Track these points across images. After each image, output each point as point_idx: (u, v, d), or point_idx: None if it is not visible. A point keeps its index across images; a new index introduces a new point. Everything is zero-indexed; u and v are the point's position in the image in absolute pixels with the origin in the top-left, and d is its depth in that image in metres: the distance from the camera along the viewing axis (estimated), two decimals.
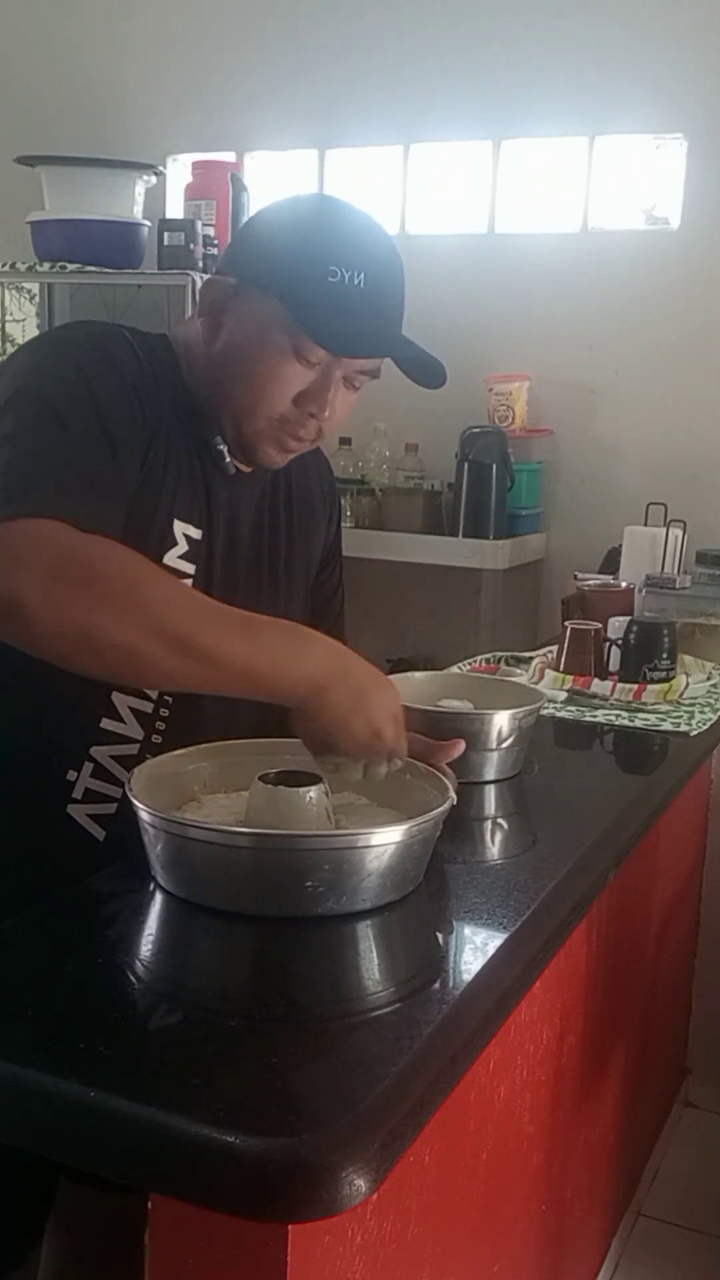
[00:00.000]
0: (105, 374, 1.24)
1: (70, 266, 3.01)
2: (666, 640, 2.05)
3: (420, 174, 3.18)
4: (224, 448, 1.36)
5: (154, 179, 3.12)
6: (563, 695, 2.01)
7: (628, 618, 2.12)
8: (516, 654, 2.29)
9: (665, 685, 2.01)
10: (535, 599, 3.11)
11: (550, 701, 1.95)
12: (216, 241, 3.02)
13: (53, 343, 1.34)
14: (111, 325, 1.35)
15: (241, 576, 1.42)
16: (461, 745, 1.36)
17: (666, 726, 1.91)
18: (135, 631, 1.07)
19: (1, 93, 3.54)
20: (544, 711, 1.81)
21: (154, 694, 1.34)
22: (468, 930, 1.16)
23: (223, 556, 1.39)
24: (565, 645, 2.09)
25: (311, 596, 1.56)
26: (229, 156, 3.30)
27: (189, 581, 1.33)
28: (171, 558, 1.32)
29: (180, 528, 1.33)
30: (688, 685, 2.04)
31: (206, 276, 2.82)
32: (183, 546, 1.33)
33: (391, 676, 1.67)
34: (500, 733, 1.53)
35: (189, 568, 1.34)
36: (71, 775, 1.35)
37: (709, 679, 2.14)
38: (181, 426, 1.33)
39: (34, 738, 1.34)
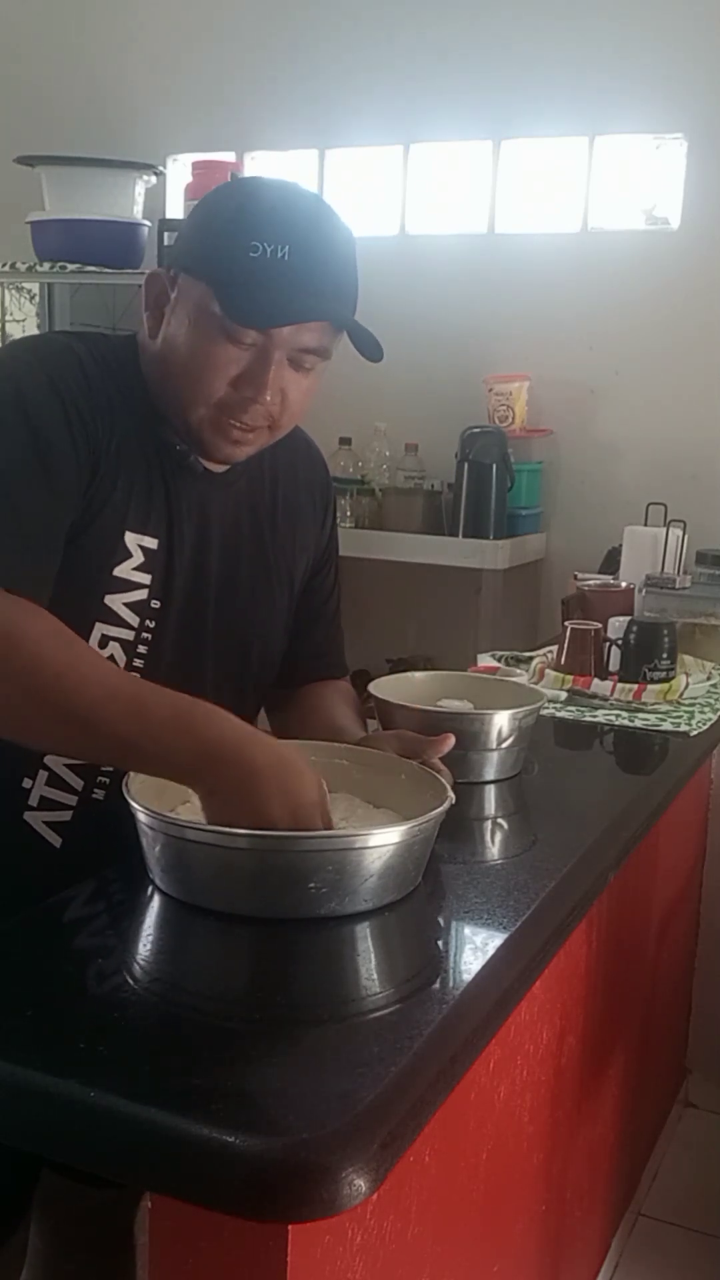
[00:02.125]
0: (45, 402, 1.22)
1: (70, 266, 3.01)
2: (666, 640, 2.05)
3: (420, 174, 3.18)
4: (184, 447, 1.33)
5: (154, 179, 3.13)
6: (563, 695, 2.01)
7: (628, 618, 2.12)
8: (516, 654, 2.29)
9: (665, 685, 2.01)
10: (535, 599, 3.11)
11: (550, 701, 1.96)
12: None
13: None
14: (61, 340, 1.33)
15: (214, 579, 1.39)
16: (452, 739, 1.35)
17: (666, 726, 1.91)
18: (25, 703, 1.11)
19: (2, 92, 3.53)
20: (544, 711, 1.81)
21: None
22: (468, 930, 1.16)
23: (190, 561, 1.36)
24: (565, 645, 2.09)
25: (306, 601, 1.54)
26: (229, 156, 3.30)
27: (143, 593, 1.31)
28: (125, 570, 1.30)
29: (133, 539, 1.30)
30: (688, 685, 2.04)
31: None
32: (137, 558, 1.30)
33: (391, 676, 1.68)
34: (500, 733, 1.53)
35: (143, 578, 1.31)
36: (27, 783, 1.34)
37: (709, 679, 2.14)
38: (143, 432, 1.31)
39: None
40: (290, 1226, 0.82)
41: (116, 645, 1.31)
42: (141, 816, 1.12)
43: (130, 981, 1.01)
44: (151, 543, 1.31)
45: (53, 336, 1.35)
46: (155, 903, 1.14)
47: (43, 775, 1.34)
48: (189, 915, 1.11)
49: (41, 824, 1.35)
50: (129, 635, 1.31)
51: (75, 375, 1.26)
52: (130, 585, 1.30)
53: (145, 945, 1.10)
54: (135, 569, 1.30)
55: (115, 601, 1.30)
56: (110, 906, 1.18)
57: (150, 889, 1.15)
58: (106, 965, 1.04)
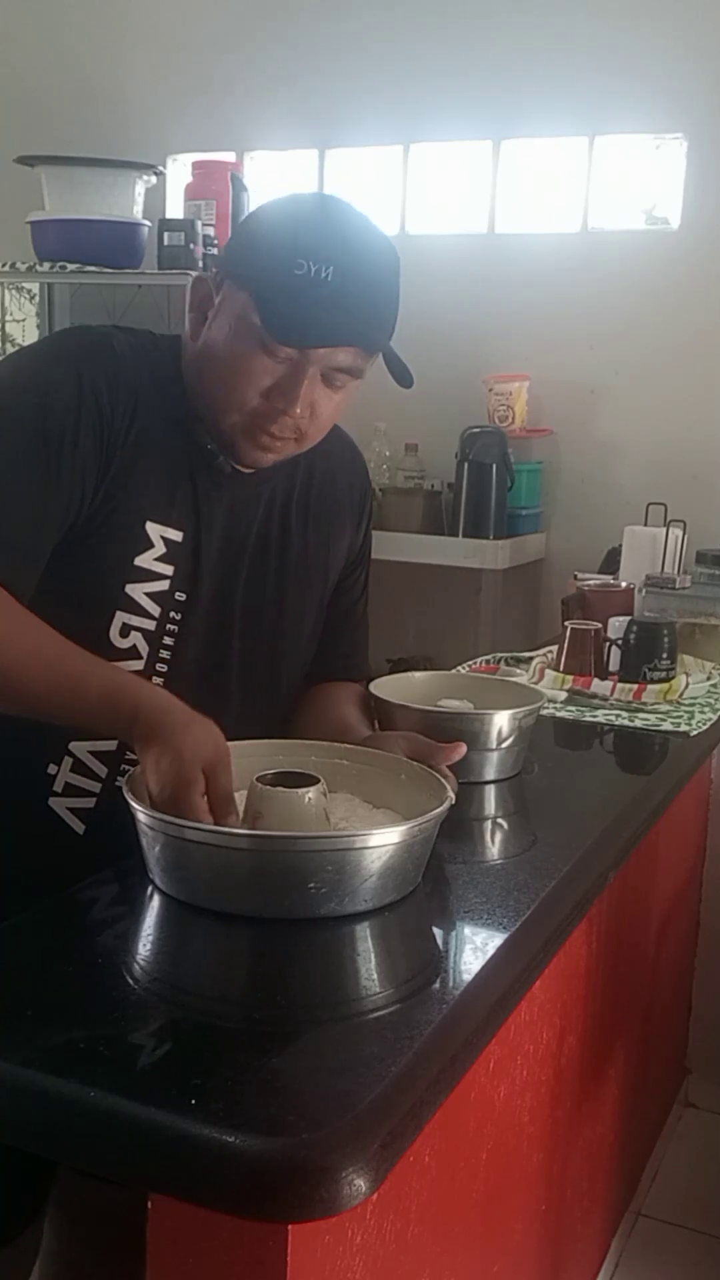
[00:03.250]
0: (64, 388, 1.26)
1: (70, 266, 3.01)
2: (666, 640, 2.05)
3: (420, 174, 3.18)
4: (214, 447, 1.35)
5: (154, 179, 3.12)
6: (563, 695, 2.01)
7: (628, 618, 2.12)
8: (516, 654, 2.29)
9: (665, 685, 2.01)
10: (535, 599, 3.11)
11: (550, 701, 1.95)
12: (216, 241, 3.02)
13: (30, 354, 1.36)
14: (103, 331, 1.36)
15: (244, 576, 1.41)
16: (463, 749, 1.36)
17: (666, 726, 1.91)
18: None
19: (1, 93, 3.53)
20: (544, 711, 1.81)
21: None
22: (468, 930, 1.16)
23: (218, 557, 1.38)
24: (565, 645, 2.09)
25: (333, 601, 1.55)
26: (229, 156, 3.30)
27: (164, 584, 1.33)
28: (146, 559, 1.32)
29: (155, 529, 1.32)
30: (688, 685, 2.04)
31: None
32: (159, 549, 1.33)
33: (391, 676, 1.68)
34: (500, 733, 1.53)
35: (165, 569, 1.33)
36: (52, 769, 1.36)
37: (709, 679, 2.14)
38: (174, 428, 1.33)
39: (14, 732, 1.33)
40: (290, 1226, 0.82)
41: (139, 635, 1.34)
42: (141, 817, 1.12)
43: (130, 981, 1.01)
44: (175, 535, 1.34)
45: (98, 329, 1.38)
46: (155, 903, 1.14)
47: (68, 762, 1.36)
48: (189, 915, 1.11)
49: (65, 810, 1.37)
50: (151, 625, 1.34)
51: (104, 367, 1.29)
52: (152, 575, 1.33)
53: (145, 945, 1.10)
54: (157, 559, 1.33)
55: (136, 591, 1.32)
56: (110, 907, 1.18)
57: (150, 889, 1.15)
58: (107, 965, 1.04)
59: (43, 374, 1.28)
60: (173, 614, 1.35)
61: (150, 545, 1.32)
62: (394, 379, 1.30)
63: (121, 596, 1.32)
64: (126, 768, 1.36)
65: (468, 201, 3.13)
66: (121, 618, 1.32)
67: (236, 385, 1.29)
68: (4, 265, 3.13)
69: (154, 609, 1.34)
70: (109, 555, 1.30)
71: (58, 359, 1.30)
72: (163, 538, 1.33)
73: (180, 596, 1.35)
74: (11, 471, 1.23)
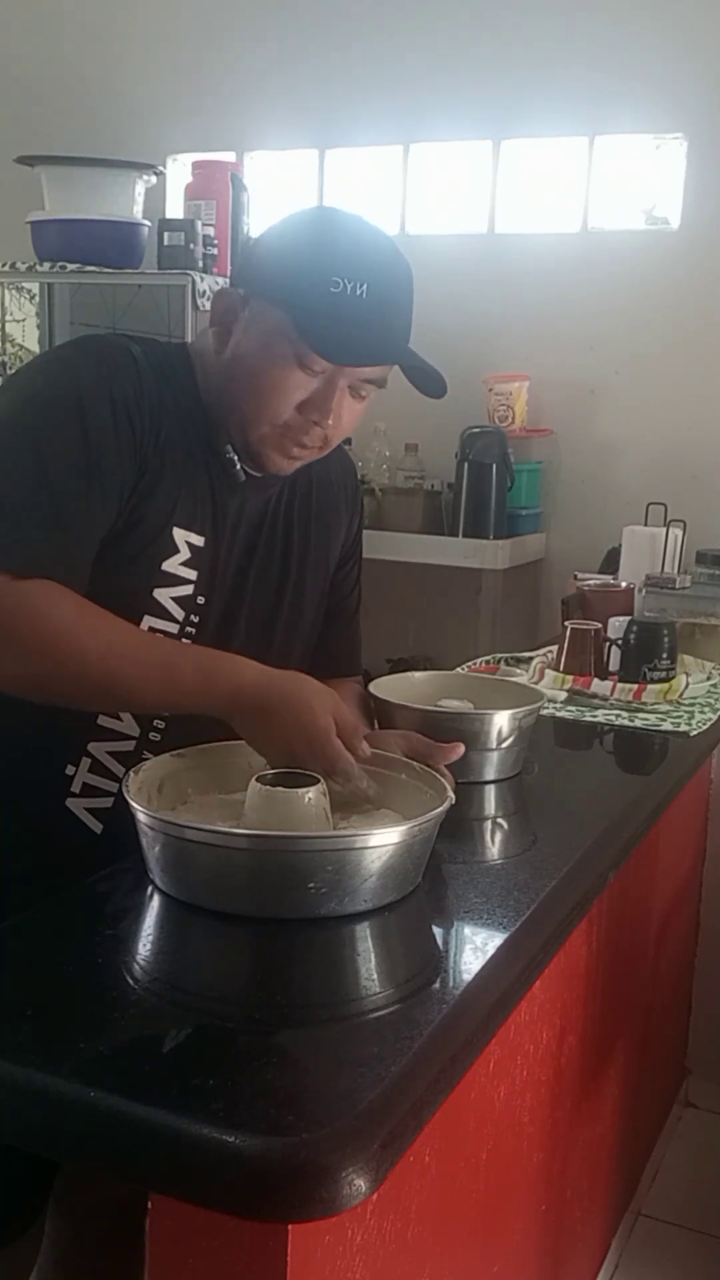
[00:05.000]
0: (99, 398, 1.28)
1: (70, 266, 3.01)
2: (666, 640, 2.05)
3: (420, 174, 3.18)
4: (234, 455, 1.38)
5: (154, 179, 3.12)
6: (563, 695, 2.01)
7: (628, 618, 2.12)
8: (516, 654, 2.29)
9: (665, 685, 2.01)
10: (535, 599, 3.11)
11: (550, 701, 1.95)
12: (216, 241, 3.02)
13: (58, 363, 1.37)
14: (120, 341, 1.38)
15: (253, 577, 1.44)
16: (461, 748, 1.37)
17: (666, 726, 1.91)
18: (62, 683, 1.21)
19: (1, 93, 3.53)
20: (544, 711, 1.81)
21: None
22: (468, 930, 1.16)
23: (231, 560, 1.41)
24: (565, 645, 2.09)
25: (328, 597, 1.58)
26: (229, 156, 3.30)
27: (189, 588, 1.36)
28: (173, 564, 1.35)
29: (181, 535, 1.35)
30: (688, 685, 2.04)
31: (213, 281, 2.85)
32: (184, 554, 1.36)
33: (391, 676, 1.68)
34: (500, 733, 1.53)
35: (190, 574, 1.37)
36: (70, 770, 1.38)
37: (709, 679, 2.14)
38: (191, 435, 1.36)
39: (33, 733, 1.36)
40: (290, 1226, 0.82)
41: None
42: (141, 817, 1.12)
43: (130, 981, 1.01)
44: (198, 540, 1.37)
45: (112, 338, 1.40)
46: (155, 903, 1.14)
47: (86, 762, 1.38)
48: (190, 914, 1.11)
49: (83, 810, 1.39)
50: (174, 629, 1.37)
51: (131, 376, 1.32)
52: (178, 580, 1.36)
53: (145, 945, 1.10)
54: (183, 564, 1.36)
55: (164, 595, 1.35)
56: (110, 907, 1.18)
57: (150, 889, 1.15)
58: (106, 965, 1.03)
59: (75, 384, 1.29)
60: (192, 617, 1.38)
61: (176, 550, 1.35)
62: (424, 393, 1.34)
63: (150, 601, 1.35)
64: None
65: (468, 201, 3.13)
66: (148, 621, 1.35)
67: (270, 399, 1.32)
68: (4, 265, 3.13)
69: (178, 613, 1.37)
70: (139, 560, 1.33)
71: (84, 364, 1.32)
72: (187, 543, 1.36)
73: (200, 600, 1.38)
74: (60, 481, 1.25)
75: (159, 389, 1.34)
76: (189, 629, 1.38)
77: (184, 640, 1.37)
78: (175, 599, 1.36)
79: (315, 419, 1.32)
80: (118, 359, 1.33)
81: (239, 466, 1.39)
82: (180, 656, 1.25)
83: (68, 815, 1.39)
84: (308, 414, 1.32)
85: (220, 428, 1.37)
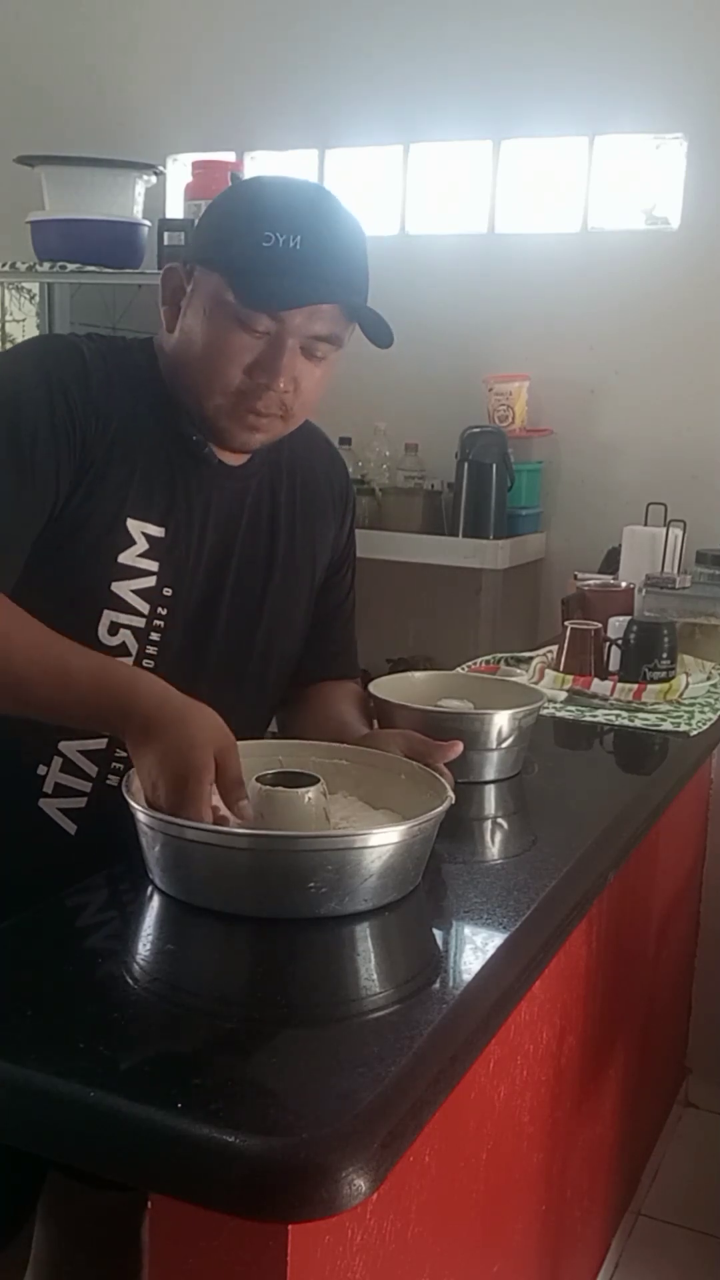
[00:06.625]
0: (35, 399, 1.27)
1: (70, 266, 3.01)
2: (666, 640, 2.05)
3: (420, 174, 3.18)
4: (200, 438, 1.36)
5: (154, 179, 3.12)
6: (563, 695, 2.01)
7: (628, 618, 2.12)
8: (516, 654, 2.29)
9: (665, 685, 2.01)
10: (535, 599, 3.10)
11: (550, 701, 1.95)
12: None
13: (1, 363, 1.37)
14: (68, 339, 1.38)
15: (231, 572, 1.42)
16: (459, 746, 1.36)
17: (666, 726, 1.91)
18: None
19: (2, 92, 3.53)
20: (544, 711, 1.81)
21: None
22: (468, 930, 1.16)
23: (204, 552, 1.39)
24: (565, 645, 2.09)
25: (321, 600, 1.56)
26: (229, 156, 3.29)
27: (150, 580, 1.34)
28: (129, 557, 1.33)
29: (137, 526, 1.33)
30: (688, 685, 2.04)
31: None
32: (141, 545, 1.34)
33: (391, 676, 1.68)
34: (500, 733, 1.53)
35: (150, 565, 1.34)
36: (41, 770, 1.36)
37: (709, 679, 2.14)
38: (152, 427, 1.35)
39: (2, 733, 1.34)
40: (290, 1226, 0.82)
41: (128, 633, 1.34)
42: (141, 816, 1.12)
43: (130, 981, 1.01)
44: (157, 531, 1.35)
45: (62, 337, 1.41)
46: (155, 903, 1.14)
47: (57, 762, 1.36)
48: (189, 914, 1.11)
49: (56, 811, 1.37)
50: (140, 623, 1.34)
51: (74, 373, 1.31)
52: (137, 572, 1.33)
53: (145, 945, 1.10)
54: (140, 555, 1.34)
55: (123, 588, 1.33)
56: (110, 907, 1.18)
57: (150, 889, 1.15)
58: (106, 965, 1.04)
59: (11, 376, 1.30)
60: (160, 610, 1.35)
61: (132, 542, 1.33)
62: (373, 342, 1.31)
63: (108, 594, 1.32)
64: (117, 766, 1.36)
65: (468, 201, 3.12)
66: (109, 615, 1.32)
67: (218, 366, 1.30)
68: (4, 265, 3.13)
69: (142, 606, 1.34)
70: (92, 553, 1.31)
71: (25, 362, 1.32)
72: (144, 534, 1.34)
73: (167, 593, 1.36)
74: None
75: (110, 385, 1.32)
76: (156, 621, 1.35)
77: (151, 634, 1.35)
78: (136, 591, 1.33)
79: (265, 381, 1.29)
80: (61, 356, 1.32)
81: (207, 450, 1.37)
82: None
83: (41, 816, 1.37)
84: (257, 377, 1.30)
85: (183, 411, 1.36)
